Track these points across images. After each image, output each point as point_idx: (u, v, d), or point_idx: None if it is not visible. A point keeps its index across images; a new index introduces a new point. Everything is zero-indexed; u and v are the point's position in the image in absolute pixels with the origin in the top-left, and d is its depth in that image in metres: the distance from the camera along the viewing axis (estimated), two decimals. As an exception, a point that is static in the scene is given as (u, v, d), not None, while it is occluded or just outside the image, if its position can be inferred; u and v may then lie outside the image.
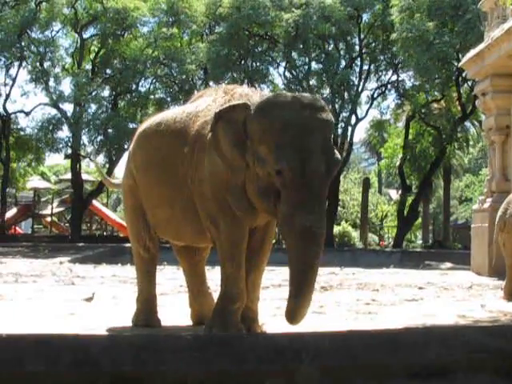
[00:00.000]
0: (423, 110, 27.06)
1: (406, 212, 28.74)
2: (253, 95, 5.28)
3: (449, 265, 18.23)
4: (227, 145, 4.90)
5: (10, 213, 34.96)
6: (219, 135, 4.93)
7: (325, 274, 12.91)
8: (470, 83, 24.53)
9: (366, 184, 33.60)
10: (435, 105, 27.74)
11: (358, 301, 8.61)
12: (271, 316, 6.62)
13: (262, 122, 4.74)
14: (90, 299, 7.70)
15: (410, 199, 29.37)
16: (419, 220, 35.72)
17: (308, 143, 4.62)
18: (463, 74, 22.54)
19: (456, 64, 22.32)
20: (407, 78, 28.90)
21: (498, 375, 2.39)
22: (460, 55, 21.76)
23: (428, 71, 23.59)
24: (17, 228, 38.56)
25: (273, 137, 4.66)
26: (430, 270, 16.73)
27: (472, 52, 15.48)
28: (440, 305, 8.38)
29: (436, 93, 26.78)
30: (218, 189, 5.17)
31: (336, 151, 4.86)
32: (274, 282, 11.09)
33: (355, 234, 29.35)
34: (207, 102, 5.55)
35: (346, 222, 31.95)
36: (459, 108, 27.15)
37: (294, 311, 4.63)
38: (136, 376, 2.18)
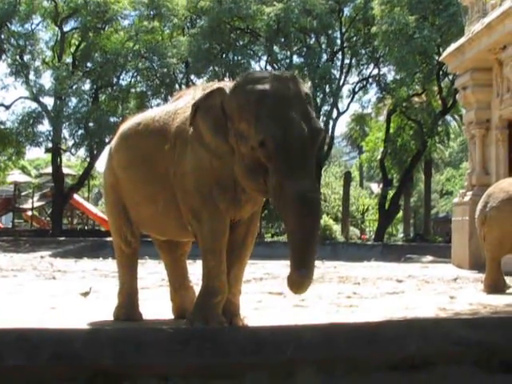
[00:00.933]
0: (404, 104, 27.15)
1: (387, 205, 28.85)
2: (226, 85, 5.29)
3: (430, 258, 18.33)
4: (208, 132, 4.90)
5: (-10, 207, 34.74)
6: (199, 126, 4.93)
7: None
8: (450, 77, 24.67)
9: (348, 178, 33.69)
10: (416, 99, 27.84)
11: (340, 294, 8.64)
12: (253, 309, 6.64)
13: (238, 99, 4.74)
14: (86, 294, 7.65)
15: (391, 193, 29.48)
16: (400, 213, 35.87)
17: (287, 112, 4.59)
18: (444, 68, 22.65)
19: (437, 58, 22.41)
20: (388, 72, 29.01)
21: (478, 367, 2.40)
22: (441, 49, 21.85)
23: (408, 65, 23.65)
24: (-3, 222, 38.32)
25: (251, 111, 4.64)
26: (411, 264, 16.82)
27: (452, 46, 15.55)
28: (421, 298, 8.43)
29: (417, 87, 26.86)
30: (202, 182, 5.18)
31: (318, 120, 4.83)
32: (256, 276, 11.11)
33: (336, 228, 29.43)
34: (186, 100, 5.57)
35: (328, 215, 32.03)
36: (440, 102, 27.27)
37: (300, 282, 4.51)
38: (117, 369, 2.18)
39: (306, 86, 4.91)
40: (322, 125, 4.86)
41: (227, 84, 5.20)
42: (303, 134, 4.56)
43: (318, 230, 4.66)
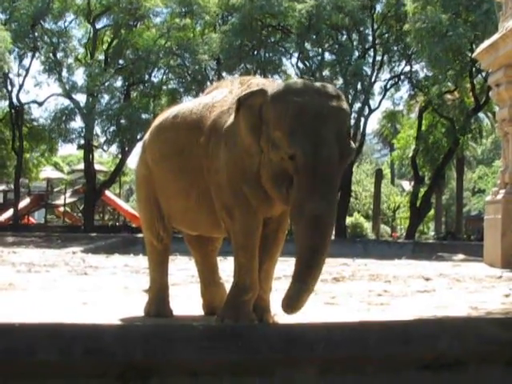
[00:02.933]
0: (436, 101, 26.95)
1: (418, 203, 28.68)
2: (269, 85, 5.29)
3: (461, 256, 18.18)
4: (245, 129, 4.93)
5: (23, 203, 35.14)
6: (240, 121, 4.96)
7: (337, 265, 12.91)
8: (483, 74, 24.44)
9: (379, 175, 33.55)
10: (448, 96, 27.64)
11: (370, 292, 8.59)
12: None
13: (277, 108, 4.75)
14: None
15: (422, 190, 29.30)
16: (432, 211, 35.63)
17: (322, 130, 4.61)
18: (477, 65, 22.45)
19: (470, 55, 22.21)
20: (420, 69, 28.83)
21: (511, 367, 2.38)
22: (474, 46, 21.65)
23: (441, 62, 23.48)
24: (30, 218, 38.74)
25: (287, 122, 4.66)
26: (443, 262, 16.68)
27: (486, 43, 15.39)
28: (452, 296, 8.36)
29: (449, 84, 26.67)
30: (234, 178, 5.17)
31: (351, 141, 4.85)
32: (287, 273, 11.06)
33: (367, 225, 29.33)
34: (223, 93, 5.57)
35: (359, 213, 31.94)
36: (473, 99, 27.04)
37: (295, 296, 4.57)
38: (147, 365, 2.19)
39: (345, 103, 4.91)
40: (353, 146, 4.89)
41: (266, 86, 5.17)
42: (333, 155, 4.61)
43: (325, 252, 4.67)
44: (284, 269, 9.87)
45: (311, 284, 4.59)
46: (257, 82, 5.53)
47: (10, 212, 33.60)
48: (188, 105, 6.07)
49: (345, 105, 4.87)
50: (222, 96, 5.55)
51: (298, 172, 4.61)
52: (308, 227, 4.53)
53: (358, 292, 8.45)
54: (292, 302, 4.61)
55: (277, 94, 4.85)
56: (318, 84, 5.00)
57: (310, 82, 5.04)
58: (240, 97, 5.04)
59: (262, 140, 4.85)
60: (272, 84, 5.38)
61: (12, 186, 34.68)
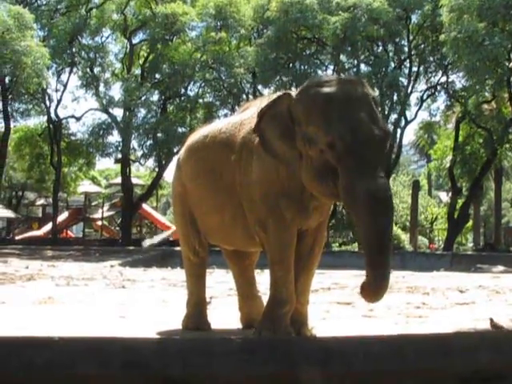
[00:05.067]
0: (473, 112, 26.72)
1: (456, 215, 28.40)
2: None
3: (501, 268, 17.96)
4: (276, 139, 4.90)
5: (62, 217, 35.49)
6: (266, 133, 4.94)
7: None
8: (521, 83, 24.19)
9: (416, 186, 33.28)
10: (486, 106, 27.38)
11: (408, 304, 8.53)
12: (321, 319, 6.61)
13: (305, 102, 4.74)
14: (207, 303, 7.69)
15: (460, 202, 29.01)
16: (470, 223, 35.26)
17: (355, 113, 4.56)
18: (514, 75, 22.23)
19: (507, 64, 22.02)
20: (457, 79, 28.61)
21: (553, 381, 2.35)
22: (511, 55, 21.46)
23: (478, 72, 23.27)
24: (68, 232, 39.11)
25: (318, 113, 4.63)
26: (482, 274, 16.50)
27: (524, 52, 15.24)
28: (492, 309, 8.26)
29: (486, 94, 26.42)
30: (267, 191, 5.17)
31: (385, 123, 4.79)
32: (324, 286, 11.06)
33: (405, 237, 29.12)
34: (252, 111, 5.59)
35: (396, 224, 31.69)
36: (510, 109, 26.76)
37: (376, 284, 4.45)
38: (185, 379, 2.19)
39: (371, 90, 4.88)
40: (389, 127, 4.81)
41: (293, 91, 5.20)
42: (372, 135, 4.53)
43: (391, 229, 4.57)
44: (321, 281, 9.85)
45: (387, 267, 4.46)
46: None
47: (48, 226, 33.94)
48: (218, 124, 6.13)
49: (371, 91, 4.85)
50: (250, 114, 5.57)
51: (340, 159, 4.52)
52: (366, 208, 4.40)
53: (395, 305, 8.39)
54: (372, 290, 4.50)
55: (302, 91, 4.86)
56: (341, 76, 4.99)
57: (333, 75, 5.03)
58: (261, 108, 5.03)
59: (298, 142, 4.81)
60: None
61: (50, 201, 35.06)
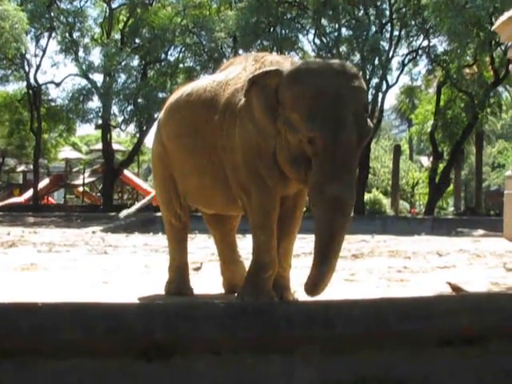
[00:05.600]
0: (455, 76, 26.72)
1: (437, 179, 28.53)
2: (284, 62, 5.25)
3: (481, 232, 18.10)
4: (259, 111, 4.89)
5: (43, 183, 35.33)
6: (253, 101, 4.91)
7: (356, 242, 12.90)
8: (503, 47, 24.19)
9: (397, 151, 33.34)
10: (467, 70, 27.37)
11: (390, 268, 8.60)
12: (303, 284, 6.64)
13: (295, 90, 4.71)
14: (198, 269, 7.72)
15: (441, 166, 29.13)
16: (451, 187, 35.45)
17: (341, 112, 4.57)
18: (496, 38, 22.21)
19: (489, 28, 21.97)
20: (439, 43, 28.54)
21: (532, 342, 2.38)
22: (493, 18, 21.41)
23: (460, 36, 23.23)
24: (49, 198, 38.96)
25: (305, 104, 4.62)
26: (462, 237, 16.63)
27: (506, 15, 15.19)
28: (473, 272, 8.34)
29: (468, 58, 26.40)
30: (250, 157, 5.16)
31: (368, 120, 4.81)
32: (305, 250, 11.09)
33: (386, 202, 29.21)
34: (237, 71, 5.53)
35: (377, 189, 31.81)
36: (492, 73, 26.79)
37: (317, 280, 4.57)
38: (169, 343, 2.20)
39: (363, 82, 4.86)
40: (371, 125, 4.85)
41: (281, 64, 5.15)
42: (352, 137, 4.59)
43: (344, 233, 4.68)
44: (302, 246, 9.88)
45: (332, 266, 4.60)
46: (271, 59, 5.46)
47: (30, 192, 33.80)
48: (201, 82, 6.03)
49: (363, 84, 4.84)
50: (235, 73, 5.51)
51: (317, 155, 4.59)
52: (328, 209, 4.53)
53: (377, 268, 8.45)
54: (315, 285, 4.60)
55: (294, 75, 4.80)
56: (335, 63, 4.93)
57: (326, 62, 4.99)
58: (252, 76, 4.99)
59: (278, 122, 4.81)
60: (286, 61, 5.33)
61: (31, 167, 34.86)
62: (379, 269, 8.44)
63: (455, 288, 6.08)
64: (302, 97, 4.66)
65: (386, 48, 27.47)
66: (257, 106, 4.90)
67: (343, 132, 4.55)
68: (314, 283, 4.59)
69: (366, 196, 27.91)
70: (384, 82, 28.09)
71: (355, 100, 4.68)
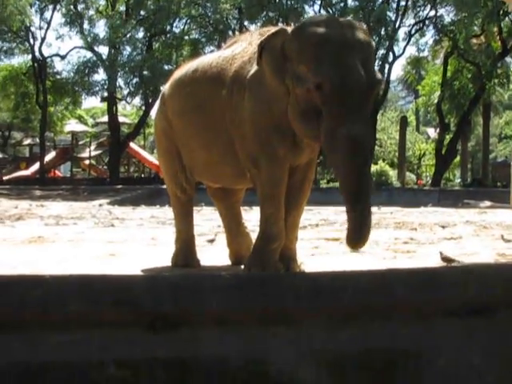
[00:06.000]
0: (462, 46, 26.55)
1: (444, 150, 28.48)
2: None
3: (488, 203, 18.10)
4: (269, 73, 4.88)
5: (49, 156, 35.39)
6: (264, 66, 4.90)
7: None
8: (511, 17, 23.99)
9: (404, 122, 33.27)
10: (474, 40, 27.21)
11: (396, 240, 8.61)
12: (309, 255, 6.67)
13: (300, 41, 4.69)
14: (212, 240, 7.74)
15: (448, 137, 29.07)
16: (457, 158, 35.39)
17: (347, 57, 4.52)
18: (504, 8, 22.04)
19: (496, -3, 21.79)
20: (446, 14, 28.35)
21: (539, 312, 2.38)
22: (501, -12, 21.20)
23: (468, 5, 23.05)
24: (56, 171, 39.04)
25: (311, 53, 4.59)
26: (469, 209, 16.63)
27: (513, -16, 15.08)
28: (479, 243, 8.34)
29: (475, 28, 26.22)
30: (260, 127, 5.15)
31: (377, 71, 4.77)
32: (312, 222, 11.13)
33: (393, 173, 29.18)
34: (243, 46, 5.52)
35: (384, 161, 31.74)
36: (499, 43, 26.60)
37: (357, 229, 4.46)
38: (176, 314, 2.21)
39: (368, 35, 4.82)
40: (380, 76, 4.79)
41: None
42: (361, 82, 4.50)
43: (369, 172, 4.61)
44: (309, 218, 9.91)
45: (367, 210, 4.46)
46: None
47: (36, 166, 33.86)
48: (207, 58, 6.02)
49: (368, 36, 4.80)
50: (241, 48, 5.50)
51: (325, 101, 4.51)
52: (345, 152, 4.42)
53: (383, 240, 8.46)
54: (357, 236, 4.51)
55: (298, 29, 4.81)
56: (341, 18, 4.93)
57: (332, 16, 4.97)
58: (261, 41, 4.97)
59: (287, 78, 4.77)
60: None
61: (37, 140, 34.90)
62: (385, 240, 8.45)
63: (447, 259, 6.09)
64: (308, 46, 4.63)
65: (393, 18, 27.35)
66: (267, 69, 4.89)
67: (351, 75, 4.49)
68: (356, 234, 4.50)
69: (373, 168, 27.87)
70: (390, 53, 28.00)
71: (361, 48, 4.62)
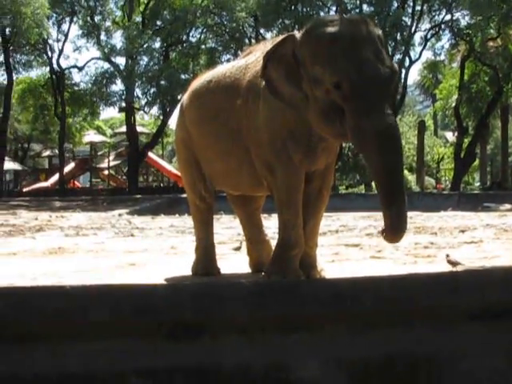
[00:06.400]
0: (479, 49, 26.46)
1: (462, 154, 28.35)
2: None
3: (508, 206, 17.98)
4: (282, 82, 4.83)
5: (68, 167, 35.59)
6: (272, 77, 4.88)
7: (381, 219, 12.85)
8: (527, 19, 23.88)
9: (422, 127, 33.15)
10: (491, 43, 27.09)
11: (417, 244, 8.56)
12: (330, 262, 6.65)
13: (310, 43, 4.66)
14: (238, 248, 7.76)
15: (466, 141, 28.94)
16: (476, 162, 35.21)
17: (361, 52, 4.48)
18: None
19: (512, 0, 21.70)
20: (462, 17, 28.26)
21: (562, 315, 2.36)
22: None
23: (483, 8, 22.97)
24: (75, 182, 39.24)
25: (324, 53, 4.55)
26: (489, 212, 16.53)
27: (529, -13, 15.01)
28: (500, 246, 8.29)
29: (492, 31, 26.12)
30: (274, 135, 5.14)
31: (392, 61, 4.74)
32: (332, 228, 11.10)
33: (412, 178, 29.10)
34: (257, 55, 5.52)
35: (403, 166, 31.66)
36: (516, 45, 26.48)
37: (394, 223, 4.49)
38: (197, 322, 2.21)
39: (378, 29, 4.81)
40: (396, 66, 4.76)
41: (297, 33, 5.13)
42: (378, 73, 4.46)
43: (402, 165, 4.58)
44: (329, 224, 9.89)
45: (402, 203, 4.45)
46: None
47: (55, 177, 34.05)
48: (222, 68, 6.05)
49: (378, 30, 4.78)
50: (255, 57, 5.51)
51: (346, 98, 4.46)
52: (374, 146, 4.37)
53: (403, 245, 8.40)
54: (392, 229, 4.55)
55: (307, 32, 4.77)
56: (349, 16, 4.90)
57: (340, 15, 4.95)
58: (265, 53, 4.95)
59: (303, 84, 4.75)
60: None
61: (56, 151, 35.10)
62: (405, 245, 8.40)
63: (453, 263, 6.06)
64: (319, 46, 4.60)
65: (409, 23, 27.28)
66: (278, 80, 4.85)
67: (368, 68, 4.44)
68: (393, 228, 4.53)
69: (392, 173, 27.77)
70: (407, 58, 27.97)
71: (373, 42, 4.58)
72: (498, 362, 2.33)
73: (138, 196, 25.17)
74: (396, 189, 4.43)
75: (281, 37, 5.47)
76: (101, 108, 33.19)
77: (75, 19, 30.39)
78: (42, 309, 2.15)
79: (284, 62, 4.81)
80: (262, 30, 29.06)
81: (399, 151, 4.51)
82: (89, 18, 29.55)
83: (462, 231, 10.64)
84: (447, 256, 6.23)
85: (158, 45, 30.18)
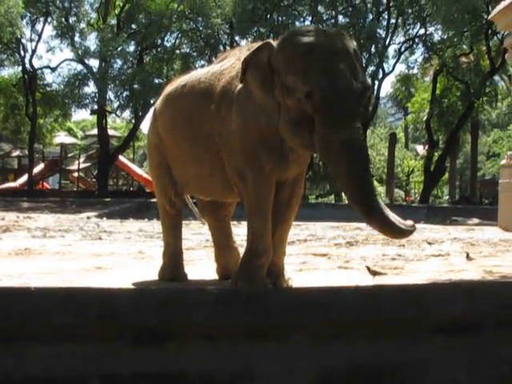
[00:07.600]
0: (451, 64, 26.71)
1: (432, 167, 28.58)
2: None
3: (476, 220, 18.15)
4: (257, 88, 4.85)
5: (38, 168, 35.27)
6: (249, 81, 4.89)
7: (351, 230, 12.91)
8: (499, 36, 24.15)
9: (393, 139, 33.40)
10: (464, 59, 27.38)
11: (384, 256, 8.60)
12: (297, 271, 6.65)
13: (286, 52, 4.68)
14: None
15: (436, 154, 29.18)
16: (446, 175, 35.51)
17: (335, 64, 4.49)
18: (493, 27, 22.19)
19: (485, 16, 21.94)
20: (435, 32, 28.55)
21: (526, 330, 2.38)
22: (490, 7, 21.38)
23: (456, 24, 23.21)
24: (44, 183, 38.91)
25: (298, 63, 4.56)
26: (457, 226, 16.66)
27: (502, 4, 15.15)
28: (466, 260, 8.35)
29: (464, 46, 26.40)
30: (246, 142, 5.13)
31: (366, 76, 4.77)
32: (300, 237, 11.12)
33: (381, 190, 29.28)
34: (232, 61, 5.52)
35: (372, 177, 31.82)
36: (488, 62, 26.77)
37: (387, 230, 4.53)
38: (163, 328, 2.20)
39: (354, 43, 4.83)
40: (369, 81, 4.78)
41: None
42: (350, 87, 4.47)
43: (370, 175, 4.59)
44: (298, 233, 9.89)
45: (380, 206, 4.45)
46: None
47: (24, 177, 33.76)
48: (196, 73, 6.04)
49: (354, 43, 4.81)
50: (230, 63, 5.51)
51: (317, 109, 4.47)
52: (342, 157, 4.40)
53: (371, 256, 8.45)
54: (391, 233, 4.63)
55: (283, 40, 4.79)
56: (324, 28, 4.92)
57: (315, 26, 4.98)
58: (245, 58, 4.97)
59: (276, 91, 4.77)
60: None
61: (26, 152, 34.81)
62: (373, 256, 8.44)
63: (374, 272, 6.11)
64: (294, 56, 4.61)
65: (383, 36, 27.48)
66: (254, 85, 4.87)
67: (340, 81, 4.46)
68: (389, 232, 4.60)
69: (361, 184, 27.92)
70: (380, 70, 28.16)
71: (348, 56, 4.60)
72: (460, 375, 2.34)
73: (108, 199, 25.03)
74: (369, 198, 4.43)
75: (257, 43, 5.49)
76: (73, 110, 33.00)
77: (49, 19, 30.20)
78: (6, 310, 2.12)
79: (260, 68, 4.82)
80: (237, 38, 29.12)
81: (365, 161, 4.52)
82: (63, 19, 29.37)
83: (430, 244, 10.70)
84: (368, 268, 6.28)
85: (132, 48, 30.12)
